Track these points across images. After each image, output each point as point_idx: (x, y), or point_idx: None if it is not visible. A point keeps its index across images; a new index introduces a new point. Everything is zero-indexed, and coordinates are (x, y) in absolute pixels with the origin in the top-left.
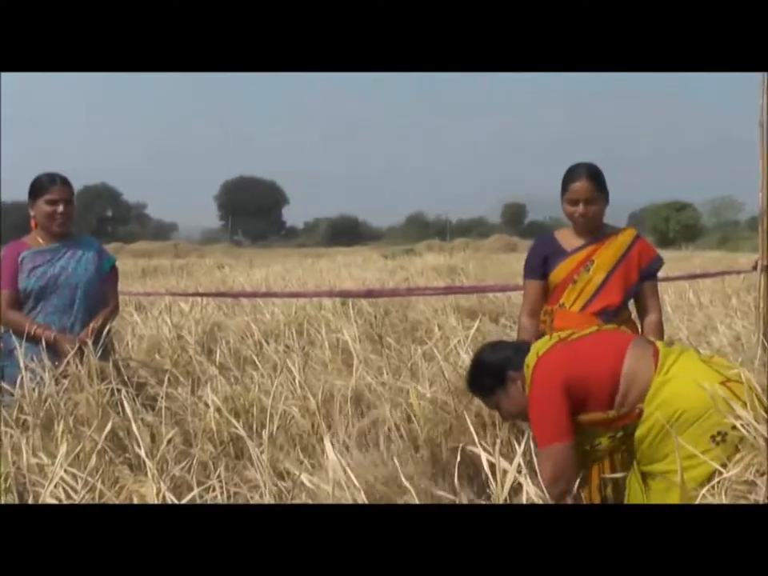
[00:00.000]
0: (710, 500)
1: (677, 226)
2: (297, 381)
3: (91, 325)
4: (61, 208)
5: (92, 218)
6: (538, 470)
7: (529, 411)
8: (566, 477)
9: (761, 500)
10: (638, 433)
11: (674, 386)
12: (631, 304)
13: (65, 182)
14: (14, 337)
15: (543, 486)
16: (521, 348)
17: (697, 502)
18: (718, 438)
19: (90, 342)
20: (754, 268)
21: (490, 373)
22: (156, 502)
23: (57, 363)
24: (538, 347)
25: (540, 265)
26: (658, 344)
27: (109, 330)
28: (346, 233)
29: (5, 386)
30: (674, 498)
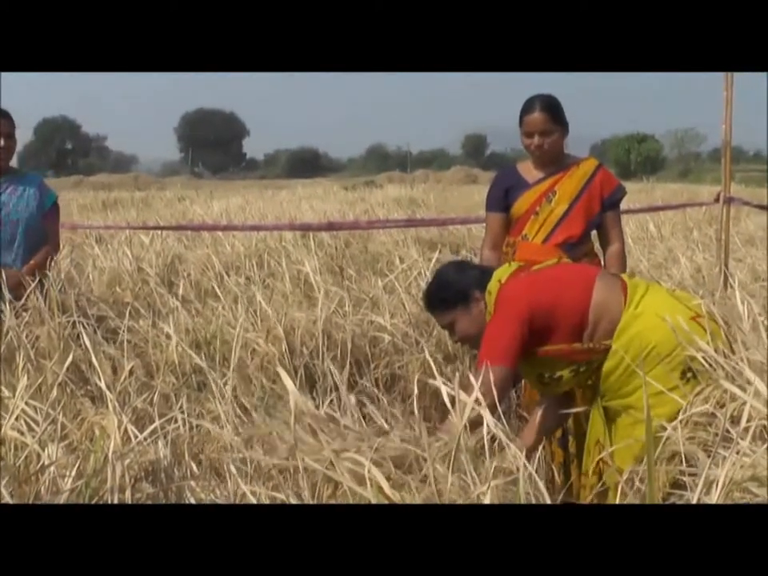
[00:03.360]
0: (673, 434)
1: (639, 157)
2: (259, 312)
3: (31, 262)
4: (1, 142)
5: (51, 150)
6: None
7: (485, 331)
8: (489, 397)
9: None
10: (606, 366)
11: (644, 320)
12: (594, 235)
13: (5, 116)
14: None
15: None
16: (486, 271)
17: (662, 437)
18: (689, 375)
19: (30, 278)
20: (716, 200)
21: (455, 290)
22: (118, 435)
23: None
24: (500, 274)
25: (502, 197)
26: (625, 278)
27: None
28: (306, 164)
29: None
30: (639, 434)
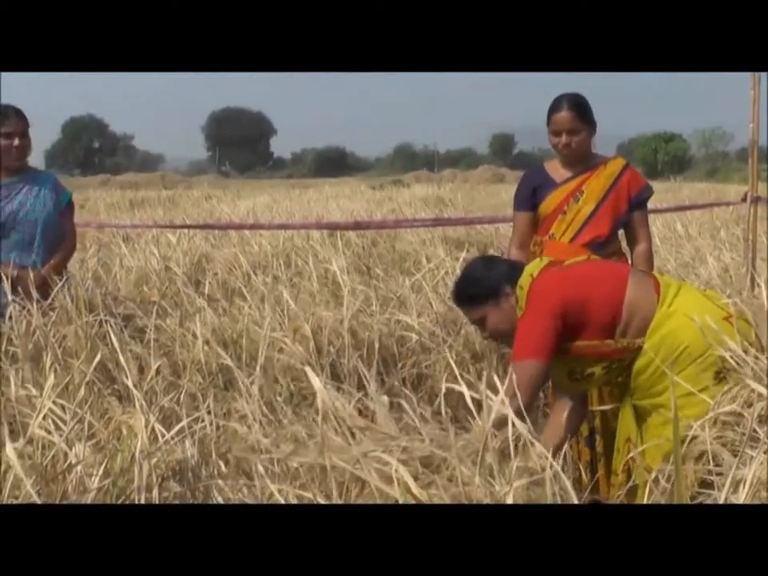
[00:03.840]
0: (701, 434)
1: (666, 156)
2: (286, 311)
3: (52, 262)
4: (16, 141)
5: (79, 149)
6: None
7: (517, 326)
8: (525, 393)
9: (746, 432)
10: (638, 364)
11: (677, 319)
12: (621, 234)
13: (19, 115)
14: None
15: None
16: (516, 266)
17: (689, 435)
18: (722, 375)
19: (56, 278)
20: (744, 200)
21: (485, 285)
22: (145, 434)
23: (20, 299)
24: (532, 268)
25: (530, 196)
26: (657, 276)
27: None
28: (333, 163)
29: None
30: (669, 433)
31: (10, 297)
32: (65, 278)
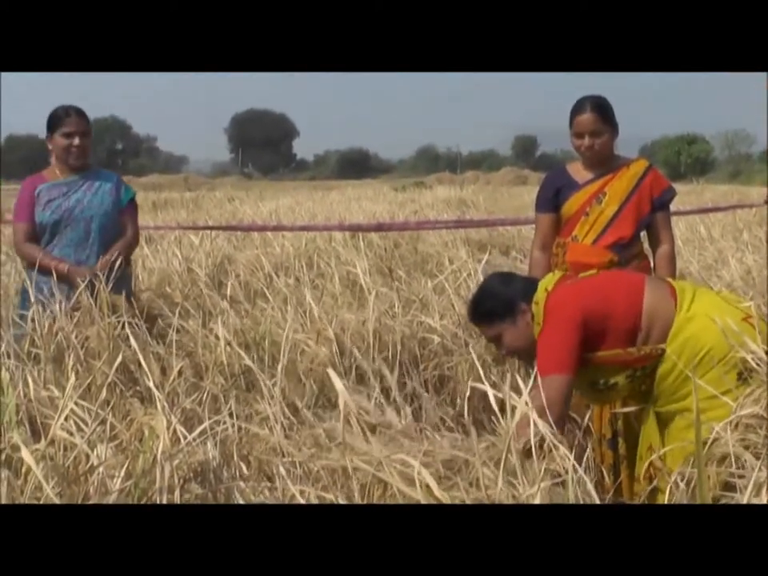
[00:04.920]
0: (724, 436)
1: (688, 159)
2: (308, 313)
3: (105, 257)
4: (77, 140)
5: (102, 150)
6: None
7: (537, 341)
8: (556, 409)
9: None
10: (661, 370)
11: (697, 323)
12: (643, 236)
13: (80, 114)
14: (27, 270)
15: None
16: (531, 282)
17: (711, 437)
18: (746, 375)
19: (101, 275)
20: (766, 201)
21: (501, 302)
22: (167, 435)
23: (70, 296)
24: (546, 283)
25: (552, 198)
26: (672, 282)
27: (128, 262)
28: (356, 165)
29: (17, 319)
30: (692, 436)
31: (57, 293)
32: (125, 272)
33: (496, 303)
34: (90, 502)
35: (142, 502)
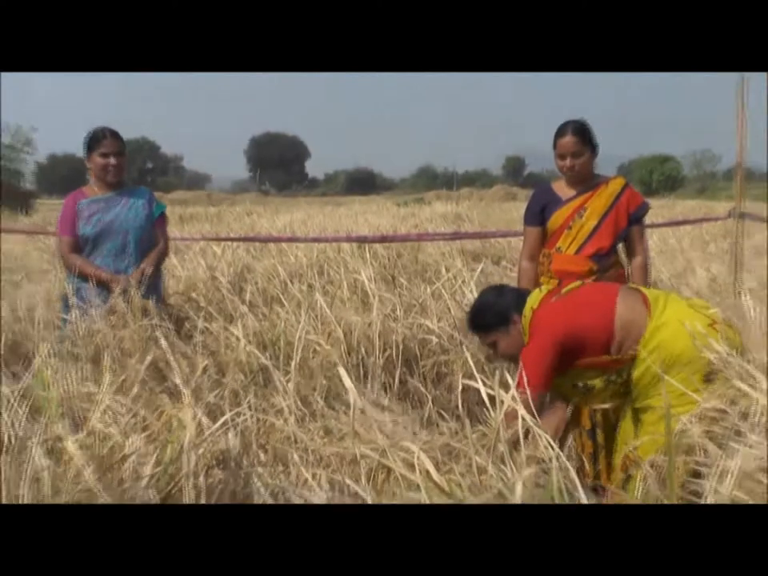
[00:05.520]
0: (690, 428)
1: (661, 176)
2: (319, 316)
3: (141, 266)
4: (113, 160)
5: (133, 169)
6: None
7: (521, 356)
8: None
9: (731, 426)
10: (636, 374)
11: (668, 330)
12: (620, 247)
13: (115, 136)
14: (69, 278)
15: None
16: (523, 294)
17: (677, 429)
18: (711, 377)
19: (134, 282)
20: (730, 215)
21: (495, 313)
22: (193, 426)
23: (109, 301)
24: (532, 301)
25: (539, 212)
26: (644, 290)
27: (159, 270)
28: (362, 183)
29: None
30: (662, 429)
31: (96, 299)
32: (158, 279)
33: (491, 315)
34: (124, 488)
35: (170, 487)
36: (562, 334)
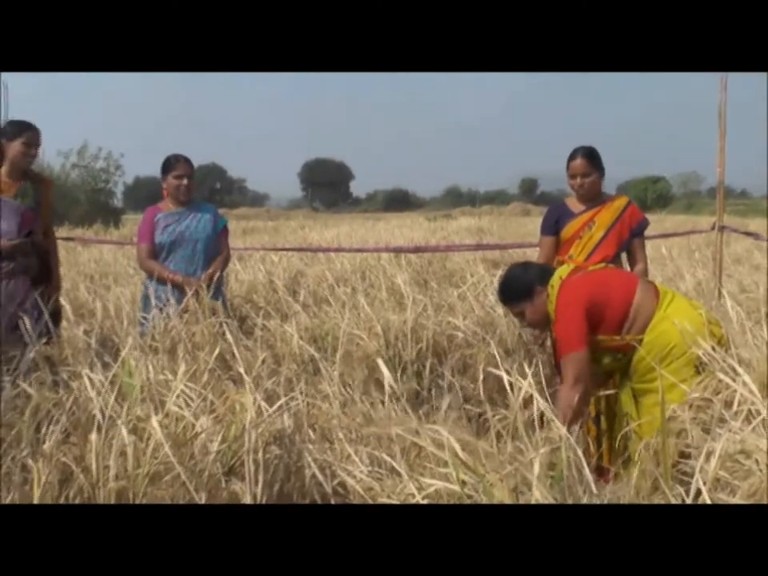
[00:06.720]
0: (681, 415)
1: (653, 195)
2: (361, 314)
3: (209, 271)
4: (185, 182)
5: (204, 189)
6: (563, 376)
7: (555, 324)
8: (584, 379)
9: (715, 414)
10: (637, 355)
11: (669, 322)
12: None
13: (186, 161)
14: (148, 281)
15: (564, 391)
16: (545, 269)
17: (667, 415)
18: (701, 368)
19: (204, 285)
20: (713, 228)
21: (521, 285)
22: (253, 409)
23: (181, 301)
24: (561, 272)
25: (553, 224)
26: (658, 285)
27: (222, 274)
28: (398, 201)
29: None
30: (658, 412)
31: (172, 299)
32: (221, 282)
33: (517, 288)
34: (195, 462)
35: (233, 462)
36: (586, 300)
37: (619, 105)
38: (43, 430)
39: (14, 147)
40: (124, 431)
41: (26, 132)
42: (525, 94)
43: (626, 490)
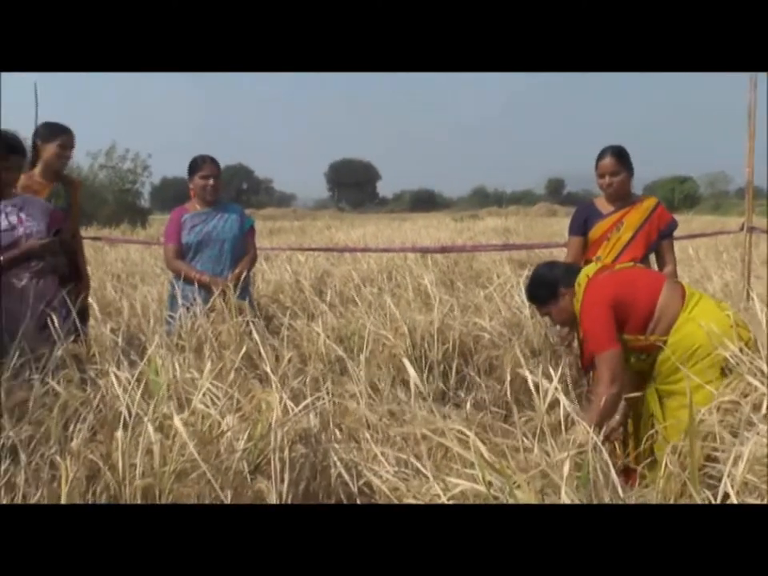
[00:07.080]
0: (707, 418)
1: (680, 195)
2: (388, 315)
3: (236, 271)
4: (211, 182)
5: (231, 190)
6: (598, 376)
7: (582, 324)
8: (619, 378)
9: (743, 417)
10: (662, 355)
11: (694, 323)
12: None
13: (213, 162)
14: (174, 281)
15: (601, 390)
16: (571, 269)
17: (697, 419)
18: (726, 371)
19: (231, 285)
20: (741, 229)
21: (546, 286)
22: (279, 408)
23: (208, 300)
24: (588, 270)
25: (581, 225)
26: (685, 285)
27: (248, 275)
28: (424, 201)
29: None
30: (683, 415)
31: (199, 298)
32: (248, 282)
33: (543, 287)
34: (221, 460)
35: (259, 460)
36: (612, 298)
37: (646, 104)
38: (71, 428)
39: (49, 149)
40: (150, 429)
41: (62, 135)
42: (525, 94)
43: (653, 494)
